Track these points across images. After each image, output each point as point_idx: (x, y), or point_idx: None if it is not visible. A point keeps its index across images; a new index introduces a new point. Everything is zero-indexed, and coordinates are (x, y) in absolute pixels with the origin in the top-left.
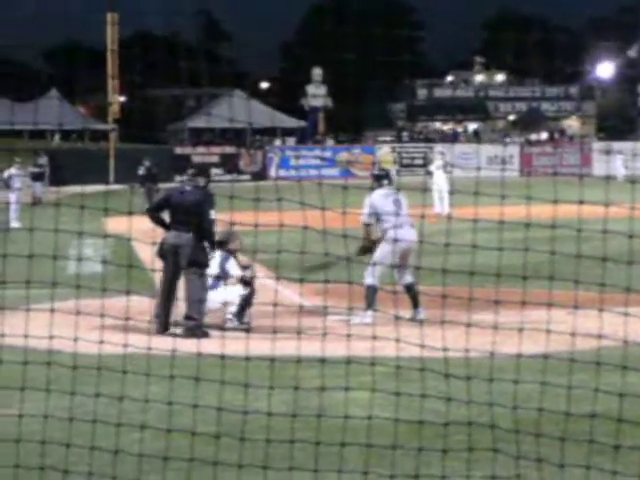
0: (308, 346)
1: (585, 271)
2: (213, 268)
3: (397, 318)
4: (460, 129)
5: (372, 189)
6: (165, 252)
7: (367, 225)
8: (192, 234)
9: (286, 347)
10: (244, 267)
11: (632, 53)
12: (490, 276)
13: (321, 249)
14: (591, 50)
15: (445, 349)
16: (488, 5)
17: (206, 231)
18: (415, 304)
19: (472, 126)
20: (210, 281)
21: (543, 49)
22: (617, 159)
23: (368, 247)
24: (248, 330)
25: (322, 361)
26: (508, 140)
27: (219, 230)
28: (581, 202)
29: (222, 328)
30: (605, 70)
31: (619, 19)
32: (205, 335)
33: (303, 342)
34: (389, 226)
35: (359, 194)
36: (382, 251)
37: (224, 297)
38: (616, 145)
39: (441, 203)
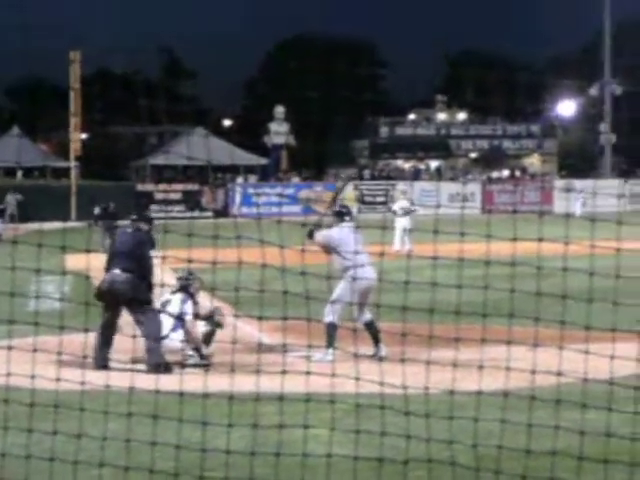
0: (267, 383)
1: (545, 308)
2: (173, 308)
3: (357, 355)
4: (422, 166)
5: (329, 226)
6: (103, 293)
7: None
8: (130, 274)
9: (245, 384)
10: (210, 311)
11: (593, 91)
12: (450, 313)
13: (280, 286)
14: (552, 89)
15: (405, 386)
16: (450, 44)
17: (145, 269)
18: (376, 341)
19: (434, 164)
20: (171, 322)
21: (505, 87)
22: (577, 197)
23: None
24: (208, 366)
25: (281, 398)
26: (469, 177)
27: (178, 274)
28: (541, 239)
29: (182, 365)
30: (567, 108)
31: (580, 58)
32: (169, 371)
33: (262, 379)
34: (349, 264)
35: (319, 230)
36: (342, 289)
37: (185, 336)
38: (577, 183)
39: (401, 241)
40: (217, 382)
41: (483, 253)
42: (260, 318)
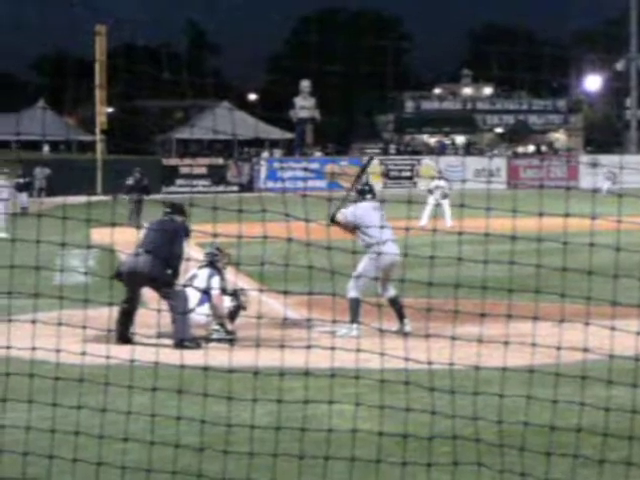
0: (292, 358)
1: (571, 284)
2: (200, 283)
3: (381, 331)
4: (448, 141)
5: (355, 202)
6: (121, 275)
7: (339, 223)
8: (155, 258)
9: (270, 359)
10: (235, 290)
11: (619, 66)
12: (476, 289)
13: (305, 261)
14: (578, 63)
15: (430, 362)
16: (475, 18)
17: (176, 259)
18: (401, 317)
19: (460, 139)
20: (198, 296)
21: (530, 62)
22: (604, 175)
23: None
24: (233, 341)
25: (306, 373)
26: (495, 152)
27: (206, 250)
28: (567, 215)
29: (208, 339)
30: (593, 83)
31: (606, 32)
32: (196, 346)
33: (287, 354)
34: (372, 241)
35: (341, 206)
36: (365, 264)
37: (210, 311)
38: (603, 158)
39: (430, 218)
40: (242, 357)
41: (509, 229)
42: (285, 293)
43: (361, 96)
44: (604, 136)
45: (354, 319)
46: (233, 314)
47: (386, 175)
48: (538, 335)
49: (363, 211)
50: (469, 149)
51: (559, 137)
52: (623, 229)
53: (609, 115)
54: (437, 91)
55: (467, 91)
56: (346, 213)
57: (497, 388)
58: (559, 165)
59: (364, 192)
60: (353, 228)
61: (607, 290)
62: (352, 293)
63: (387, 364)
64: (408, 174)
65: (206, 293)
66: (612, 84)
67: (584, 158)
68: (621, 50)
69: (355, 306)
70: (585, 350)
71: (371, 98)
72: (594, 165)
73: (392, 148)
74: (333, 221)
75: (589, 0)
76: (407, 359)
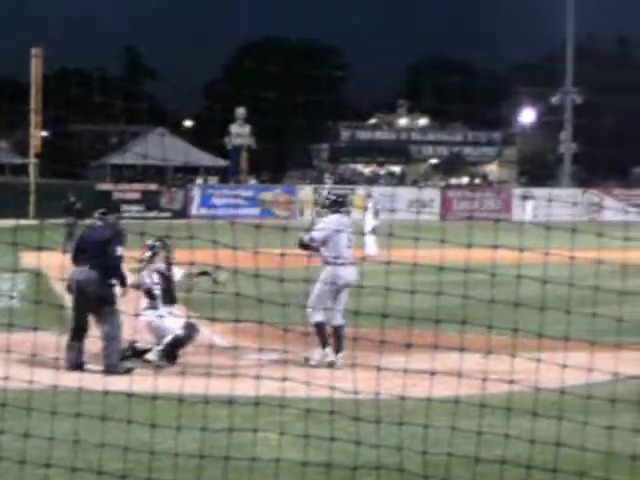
0: (218, 385)
1: (498, 316)
2: (145, 283)
3: (307, 360)
4: (382, 172)
5: (325, 214)
6: (71, 288)
7: (307, 247)
8: (96, 270)
9: (196, 386)
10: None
11: (554, 100)
12: (403, 319)
13: (233, 288)
14: (514, 96)
15: (356, 392)
16: (413, 49)
17: (111, 268)
18: (338, 348)
19: (394, 169)
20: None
21: (466, 94)
22: (529, 203)
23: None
24: (162, 367)
25: (231, 401)
26: (428, 183)
27: (147, 242)
28: (496, 247)
29: (142, 352)
30: (527, 116)
31: (542, 66)
32: (127, 372)
33: (213, 381)
34: (333, 260)
35: (274, 233)
36: (321, 286)
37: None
38: (536, 191)
39: (369, 245)
40: (167, 384)
41: (438, 259)
42: (213, 320)
43: (296, 125)
44: (538, 169)
45: (324, 344)
46: (178, 343)
47: (319, 204)
48: (465, 366)
49: (334, 226)
50: (403, 179)
51: (493, 169)
52: (550, 261)
53: (543, 148)
54: (372, 121)
55: (402, 121)
56: (314, 235)
57: (422, 418)
58: (492, 197)
59: (337, 203)
60: (319, 247)
61: (534, 322)
62: (316, 317)
63: (313, 393)
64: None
65: (151, 295)
66: (547, 117)
67: (517, 190)
68: (556, 84)
69: (322, 330)
70: (511, 382)
71: (306, 127)
72: (526, 198)
73: (326, 177)
74: (302, 246)
75: (525, 34)
76: (333, 388)
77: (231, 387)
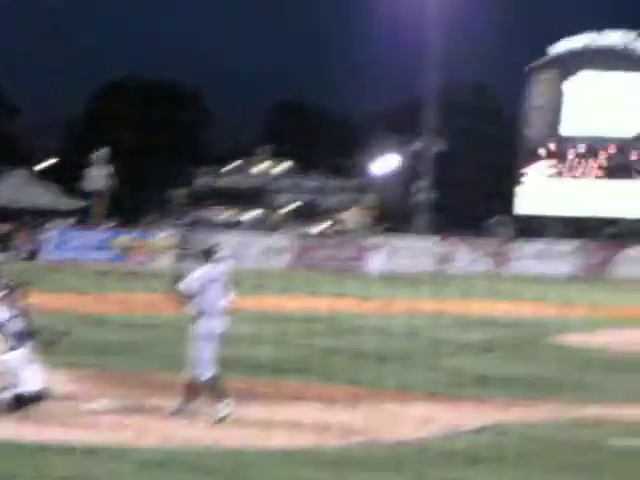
0: (53, 432)
1: (340, 365)
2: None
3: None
4: (240, 217)
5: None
6: None
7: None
8: None
9: (31, 432)
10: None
11: (414, 148)
12: (247, 367)
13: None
14: (374, 144)
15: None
16: (274, 96)
17: None
18: (219, 398)
19: (252, 214)
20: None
21: (326, 141)
22: (382, 254)
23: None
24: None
25: (67, 449)
26: (287, 230)
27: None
28: (341, 296)
29: None
30: (387, 164)
31: (402, 114)
32: None
33: (49, 428)
34: (205, 311)
35: (126, 279)
36: (199, 340)
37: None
38: (393, 239)
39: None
40: (3, 430)
41: (282, 308)
42: (52, 366)
43: (155, 168)
44: (394, 217)
45: (222, 397)
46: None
47: (175, 248)
48: (304, 416)
49: (208, 277)
50: (261, 225)
51: (350, 216)
52: (394, 312)
53: (400, 196)
54: (231, 166)
55: (261, 167)
56: (190, 285)
57: (258, 470)
58: (349, 245)
59: (209, 254)
60: (191, 296)
61: (374, 373)
62: (207, 374)
63: (145, 443)
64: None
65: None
66: (405, 166)
67: (373, 239)
68: (415, 132)
69: (217, 383)
70: (349, 433)
71: (165, 171)
72: (380, 246)
73: (184, 222)
74: (174, 293)
75: (386, 81)
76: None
77: (64, 434)
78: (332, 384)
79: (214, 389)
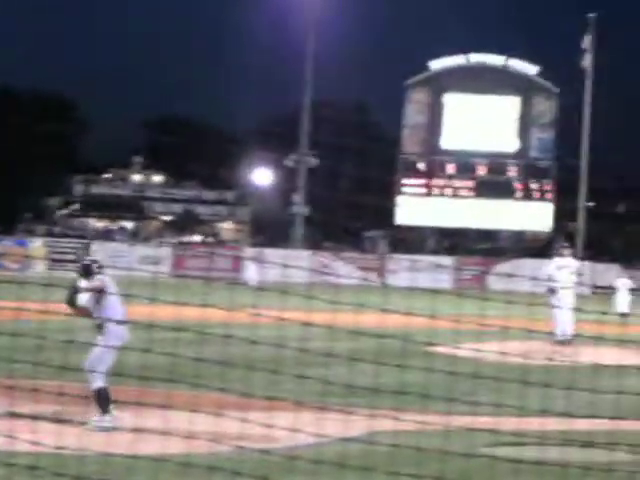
0: None
1: (208, 374)
2: None
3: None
4: (115, 227)
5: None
6: None
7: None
8: None
9: None
10: None
11: (289, 162)
12: (112, 376)
13: None
14: (249, 157)
15: (59, 447)
16: (150, 107)
17: None
18: (104, 410)
19: (127, 224)
20: None
21: (202, 154)
22: (255, 265)
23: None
24: None
25: None
26: (162, 241)
27: None
28: (206, 306)
29: None
30: (262, 178)
31: (278, 128)
32: None
33: None
34: (107, 320)
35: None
36: (100, 350)
37: None
38: (268, 252)
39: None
40: None
41: (154, 316)
42: None
43: (30, 177)
44: (270, 229)
45: (105, 410)
46: None
47: (50, 258)
48: (171, 423)
49: (103, 284)
50: (136, 235)
51: (226, 228)
52: (262, 322)
53: (276, 209)
54: (107, 176)
55: (137, 178)
56: (82, 297)
57: (147, 476)
58: (223, 256)
59: (88, 268)
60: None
61: (242, 381)
62: (98, 383)
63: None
64: (73, 257)
65: None
66: (281, 179)
67: (249, 250)
68: (292, 147)
69: (104, 395)
70: (214, 440)
71: (41, 179)
72: (254, 259)
73: (58, 230)
74: (72, 304)
75: (262, 96)
76: (37, 443)
77: None
78: (200, 392)
79: (101, 399)
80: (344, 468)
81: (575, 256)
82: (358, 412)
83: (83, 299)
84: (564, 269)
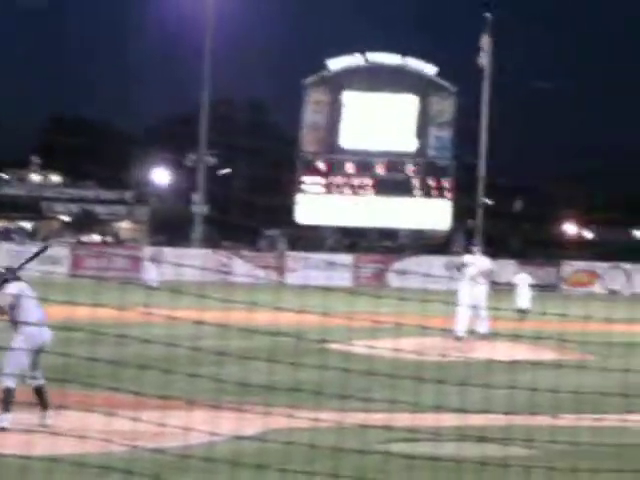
0: None
1: (101, 373)
2: None
3: None
4: (12, 227)
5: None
6: None
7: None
8: None
9: None
10: None
11: (188, 162)
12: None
13: None
14: (148, 157)
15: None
16: (49, 104)
17: None
18: (45, 406)
19: (25, 225)
20: None
21: (100, 153)
22: (152, 266)
23: None
24: None
25: None
26: (58, 240)
27: None
28: (97, 306)
29: None
30: (161, 177)
31: (178, 129)
32: None
33: None
34: (28, 321)
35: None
36: (15, 350)
37: None
38: (167, 251)
39: None
40: None
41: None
42: None
43: None
44: (169, 229)
45: (6, 409)
46: None
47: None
48: (66, 423)
49: (19, 291)
50: (34, 235)
51: (125, 228)
52: (153, 321)
53: (176, 208)
54: (4, 176)
55: (35, 178)
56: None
57: (40, 476)
58: (122, 256)
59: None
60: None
61: (135, 382)
62: (7, 382)
63: None
64: None
65: None
66: (180, 178)
67: (148, 250)
68: (191, 146)
69: (9, 396)
70: (108, 440)
71: None
72: (154, 259)
73: None
74: None
75: (161, 96)
76: None
77: None
78: (93, 392)
79: (6, 399)
80: (238, 466)
81: (483, 253)
82: (252, 410)
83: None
84: (471, 266)
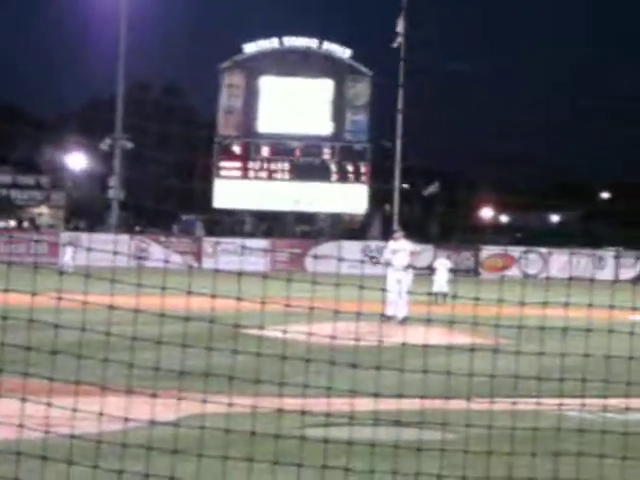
0: None
1: (11, 358)
2: None
3: None
4: None
5: None
6: None
7: None
8: None
9: None
10: None
11: (104, 146)
12: None
13: None
14: (64, 141)
15: None
16: None
17: None
18: None
19: None
20: None
21: (14, 137)
22: (68, 250)
23: None
24: None
25: None
26: None
27: None
28: (7, 291)
29: None
30: (77, 162)
31: (94, 114)
32: None
33: None
34: None
35: None
36: None
37: None
38: (84, 236)
39: None
40: None
41: None
42: None
43: None
44: (86, 214)
45: None
46: None
47: None
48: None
49: None
50: None
51: (41, 213)
52: (80, 306)
53: (92, 194)
54: None
55: None
56: None
57: None
58: (39, 241)
59: None
60: None
61: (49, 367)
62: None
63: None
64: None
65: None
66: (96, 163)
67: (65, 235)
68: (106, 131)
69: None
70: (20, 425)
71: None
72: (69, 243)
73: None
74: None
75: (75, 80)
76: None
77: None
78: (4, 378)
79: None
80: (152, 451)
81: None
82: (166, 395)
83: None
84: (399, 253)
